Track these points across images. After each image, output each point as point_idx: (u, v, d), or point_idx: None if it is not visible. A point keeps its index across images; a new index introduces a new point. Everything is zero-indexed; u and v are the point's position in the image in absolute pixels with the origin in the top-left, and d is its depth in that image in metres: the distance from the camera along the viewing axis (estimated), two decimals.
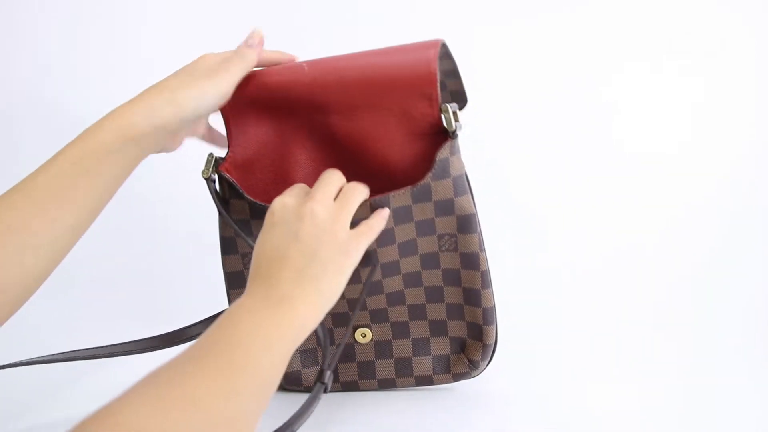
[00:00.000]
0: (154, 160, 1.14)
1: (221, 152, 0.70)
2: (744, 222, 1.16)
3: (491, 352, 0.69)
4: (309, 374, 0.72)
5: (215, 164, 0.66)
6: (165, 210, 1.19)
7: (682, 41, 1.20)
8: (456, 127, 0.62)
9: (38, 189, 0.52)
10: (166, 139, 0.60)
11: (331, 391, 0.71)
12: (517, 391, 0.72)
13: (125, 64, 1.19)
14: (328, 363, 0.58)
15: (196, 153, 1.15)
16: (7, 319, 0.52)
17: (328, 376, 0.56)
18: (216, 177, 0.66)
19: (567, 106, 1.20)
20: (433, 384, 0.72)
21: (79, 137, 0.55)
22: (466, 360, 0.70)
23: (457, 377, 0.71)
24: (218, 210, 0.66)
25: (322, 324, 0.64)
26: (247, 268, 0.67)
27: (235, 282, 0.69)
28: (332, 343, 0.69)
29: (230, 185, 0.66)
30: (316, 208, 0.53)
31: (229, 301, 0.71)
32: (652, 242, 1.14)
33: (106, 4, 1.19)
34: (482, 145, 1.10)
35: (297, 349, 0.71)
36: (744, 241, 1.14)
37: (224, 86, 0.60)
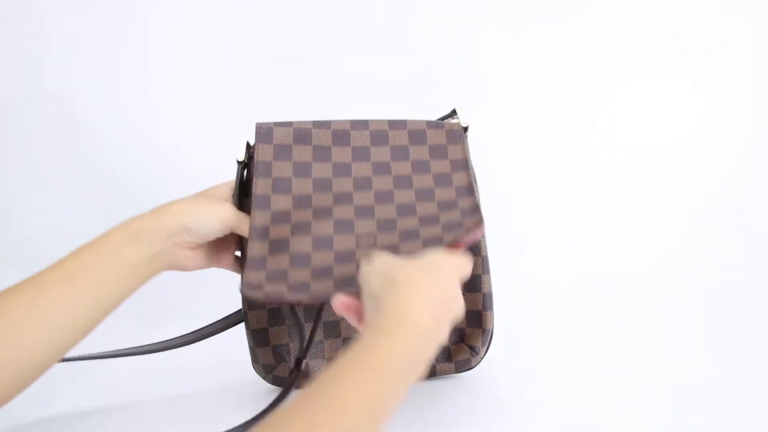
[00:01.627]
0: (157, 161, 1.16)
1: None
2: (744, 222, 1.15)
3: (490, 338, 0.71)
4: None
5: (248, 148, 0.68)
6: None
7: (682, 42, 1.21)
8: (467, 124, 0.70)
9: (44, 283, 0.53)
10: (178, 250, 0.60)
11: None
12: (517, 384, 0.72)
13: (125, 62, 1.19)
14: (304, 352, 0.61)
15: (197, 154, 1.17)
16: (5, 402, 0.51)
17: (305, 365, 0.59)
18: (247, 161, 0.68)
19: (565, 107, 1.21)
20: (437, 374, 0.72)
21: (92, 240, 0.57)
22: (466, 347, 0.71)
23: (459, 365, 0.72)
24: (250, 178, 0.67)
25: (297, 316, 0.67)
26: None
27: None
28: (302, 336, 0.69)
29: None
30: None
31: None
32: (651, 239, 1.14)
33: (106, 2, 1.19)
34: (483, 147, 1.11)
35: (271, 345, 0.70)
36: (745, 241, 1.13)
37: (226, 212, 0.62)
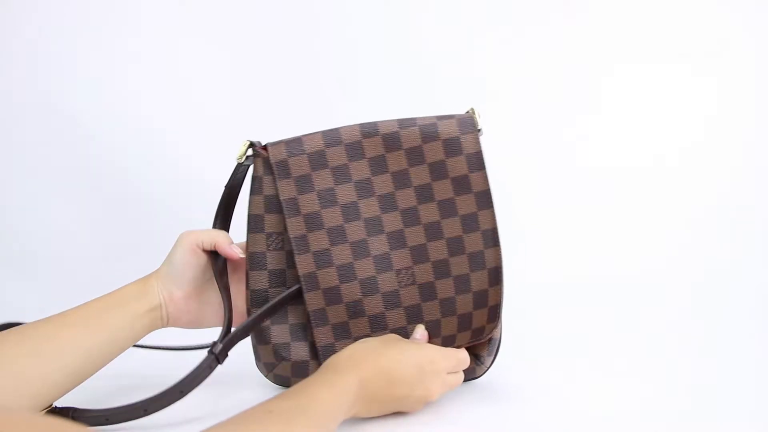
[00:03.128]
0: (158, 161, 1.16)
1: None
2: (746, 224, 1.16)
3: (496, 348, 0.70)
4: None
5: (251, 146, 0.69)
6: (169, 214, 1.18)
7: (683, 43, 1.20)
8: (480, 126, 0.69)
9: (68, 320, 0.62)
10: (170, 304, 0.68)
11: None
12: (519, 389, 0.72)
13: (124, 62, 1.19)
14: (221, 338, 0.65)
15: (198, 153, 1.16)
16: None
17: (219, 348, 0.64)
18: (251, 161, 0.69)
19: (565, 108, 1.20)
20: None
21: (112, 291, 0.67)
22: (471, 356, 0.70)
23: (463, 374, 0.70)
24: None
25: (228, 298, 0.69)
26: (271, 249, 0.69)
27: (257, 263, 0.69)
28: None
29: (265, 161, 0.68)
30: (440, 392, 0.64)
31: (248, 280, 0.70)
32: (654, 241, 1.14)
33: (105, 5, 1.19)
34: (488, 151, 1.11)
35: (271, 344, 0.71)
36: (752, 242, 1.14)
37: (189, 235, 0.69)
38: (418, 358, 0.61)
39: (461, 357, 0.65)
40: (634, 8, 1.20)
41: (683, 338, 0.89)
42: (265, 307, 0.67)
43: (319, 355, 0.67)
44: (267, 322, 0.69)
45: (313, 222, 0.67)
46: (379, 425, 0.62)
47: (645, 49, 1.20)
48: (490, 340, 0.69)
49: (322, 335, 0.67)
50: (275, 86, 1.19)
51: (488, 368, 0.71)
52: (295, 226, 0.67)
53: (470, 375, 0.71)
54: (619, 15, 1.20)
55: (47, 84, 1.17)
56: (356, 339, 0.68)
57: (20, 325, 0.61)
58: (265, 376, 0.71)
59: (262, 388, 0.73)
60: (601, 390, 0.70)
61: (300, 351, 0.70)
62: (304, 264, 0.67)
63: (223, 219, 0.72)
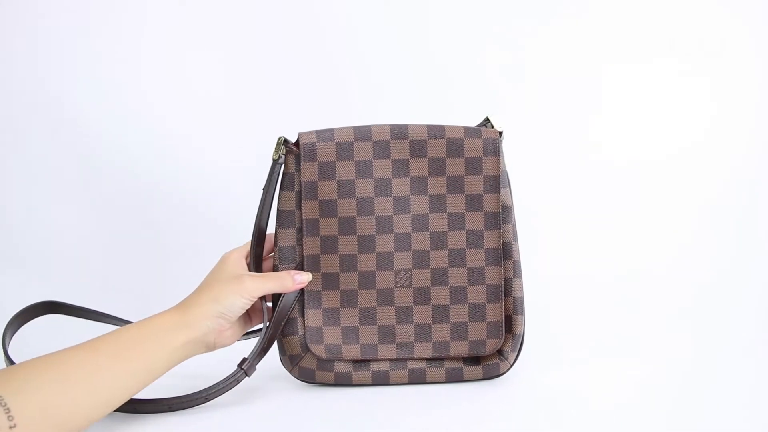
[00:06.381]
0: (160, 161, 1.14)
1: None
2: (745, 224, 1.16)
3: (520, 344, 0.71)
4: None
5: (285, 144, 0.70)
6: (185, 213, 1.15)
7: (683, 42, 1.20)
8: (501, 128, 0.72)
9: (101, 349, 0.61)
10: (216, 333, 0.68)
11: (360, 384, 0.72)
12: (534, 385, 0.73)
13: (125, 61, 1.17)
14: (252, 354, 0.69)
15: (201, 154, 1.15)
16: None
17: (247, 364, 0.68)
18: (283, 157, 0.71)
19: (565, 109, 1.20)
20: (464, 378, 0.72)
21: (146, 319, 0.66)
22: (494, 352, 0.71)
23: (487, 370, 0.71)
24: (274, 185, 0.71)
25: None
26: (300, 245, 0.71)
27: (286, 257, 0.71)
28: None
29: (297, 157, 0.70)
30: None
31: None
32: (655, 243, 1.15)
33: (106, 5, 1.17)
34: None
35: (298, 335, 0.72)
36: (746, 242, 1.15)
37: (248, 287, 0.68)
38: None
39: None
40: (637, 8, 1.20)
41: (697, 337, 0.89)
42: (278, 315, 0.70)
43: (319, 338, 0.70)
44: (295, 313, 0.71)
45: (327, 208, 0.70)
46: (389, 416, 0.63)
47: (645, 48, 1.20)
48: (513, 335, 0.71)
49: (313, 317, 0.70)
50: (278, 86, 1.17)
51: (512, 365, 0.72)
52: (309, 209, 0.70)
53: (495, 371, 0.71)
54: (621, 15, 1.20)
55: (45, 83, 1.15)
56: (343, 328, 0.71)
57: (46, 355, 0.59)
58: (289, 371, 0.72)
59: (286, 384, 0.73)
60: (612, 387, 0.71)
61: (334, 334, 0.71)
62: (310, 246, 0.70)
63: (259, 221, 0.72)
